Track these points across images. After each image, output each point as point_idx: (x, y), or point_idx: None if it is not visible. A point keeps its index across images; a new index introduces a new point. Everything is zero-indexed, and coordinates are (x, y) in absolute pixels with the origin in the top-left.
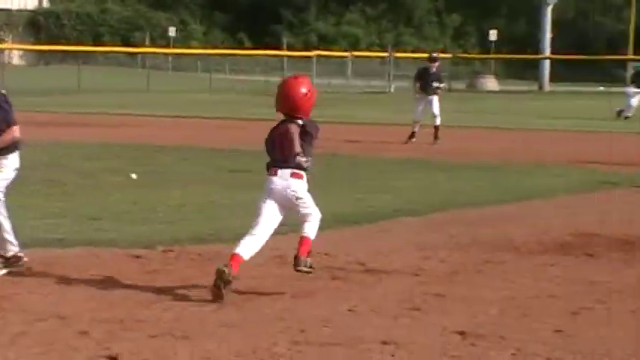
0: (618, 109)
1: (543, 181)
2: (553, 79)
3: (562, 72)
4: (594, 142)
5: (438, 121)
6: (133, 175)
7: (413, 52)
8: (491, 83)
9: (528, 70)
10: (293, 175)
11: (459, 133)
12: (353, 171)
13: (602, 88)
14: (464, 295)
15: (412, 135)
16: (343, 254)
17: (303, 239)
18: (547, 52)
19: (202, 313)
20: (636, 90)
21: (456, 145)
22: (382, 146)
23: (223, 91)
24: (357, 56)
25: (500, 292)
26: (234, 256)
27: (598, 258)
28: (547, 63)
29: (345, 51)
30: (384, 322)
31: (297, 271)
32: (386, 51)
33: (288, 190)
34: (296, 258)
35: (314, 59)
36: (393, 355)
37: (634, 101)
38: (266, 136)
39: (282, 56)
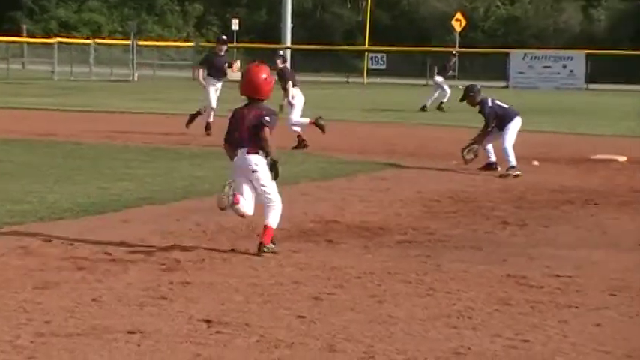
0: (436, 101)
1: (287, 168)
2: (293, 68)
3: (302, 62)
4: (334, 131)
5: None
6: None
7: (156, 40)
8: (235, 73)
9: (271, 60)
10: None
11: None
12: (96, 160)
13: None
14: (210, 283)
15: (207, 126)
16: (88, 244)
17: (264, 228)
18: (288, 42)
19: None
20: (442, 80)
21: (203, 133)
22: (126, 136)
23: None
24: (99, 44)
25: (245, 279)
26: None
27: (338, 244)
28: (288, 53)
29: (88, 38)
30: (130, 311)
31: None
32: (129, 39)
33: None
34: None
35: (55, 46)
36: (139, 345)
37: (438, 93)
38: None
39: (23, 43)
